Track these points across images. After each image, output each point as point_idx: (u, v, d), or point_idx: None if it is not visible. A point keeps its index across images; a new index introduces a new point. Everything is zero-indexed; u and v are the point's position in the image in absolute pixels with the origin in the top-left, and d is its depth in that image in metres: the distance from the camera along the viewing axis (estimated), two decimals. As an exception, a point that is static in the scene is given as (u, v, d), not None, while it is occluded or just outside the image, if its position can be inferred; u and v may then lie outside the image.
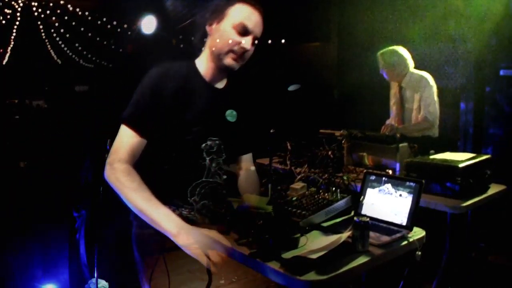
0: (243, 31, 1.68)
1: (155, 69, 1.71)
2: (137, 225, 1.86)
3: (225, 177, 1.81)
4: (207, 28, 1.73)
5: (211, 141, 1.74)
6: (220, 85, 1.81)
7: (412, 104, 3.83)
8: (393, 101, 4.05)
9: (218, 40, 1.68)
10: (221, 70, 1.75)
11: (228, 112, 1.78)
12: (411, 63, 3.86)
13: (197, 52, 1.79)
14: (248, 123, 1.92)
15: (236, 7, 1.69)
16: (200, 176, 1.74)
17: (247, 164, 2.08)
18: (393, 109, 4.03)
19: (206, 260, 1.61)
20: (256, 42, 1.74)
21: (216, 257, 1.61)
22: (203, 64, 1.77)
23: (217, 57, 1.71)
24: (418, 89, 3.78)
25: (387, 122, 4.10)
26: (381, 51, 3.88)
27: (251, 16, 1.70)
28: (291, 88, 2.88)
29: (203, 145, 1.72)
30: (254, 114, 1.93)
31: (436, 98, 3.77)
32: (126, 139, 1.62)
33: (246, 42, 1.68)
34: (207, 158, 1.74)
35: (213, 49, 1.70)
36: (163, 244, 1.76)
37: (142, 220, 1.65)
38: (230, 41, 1.66)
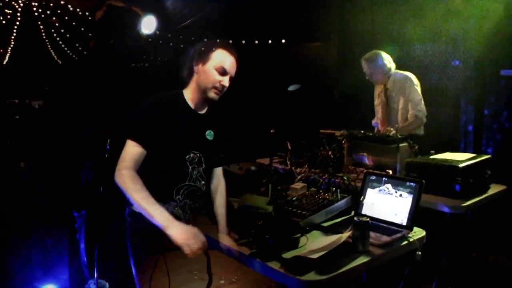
0: (223, 72, 2.14)
1: (153, 97, 2.14)
2: (131, 222, 2.17)
3: (203, 182, 2.20)
4: (194, 67, 2.17)
5: (193, 154, 2.17)
6: (202, 111, 2.25)
7: (398, 104, 3.89)
8: (377, 101, 4.09)
9: (203, 79, 2.14)
10: (204, 100, 2.21)
11: (207, 132, 2.24)
12: (393, 65, 3.93)
13: (184, 81, 2.22)
14: (223, 141, 2.34)
15: (217, 52, 2.16)
16: (184, 181, 2.15)
17: (218, 175, 2.41)
18: (378, 109, 4.07)
19: (189, 249, 1.87)
20: (231, 79, 2.20)
21: (196, 247, 1.88)
22: (189, 94, 2.21)
23: (203, 91, 2.16)
24: (403, 89, 3.84)
25: (373, 122, 4.13)
26: (364, 57, 3.97)
27: (228, 60, 2.16)
28: (291, 88, 2.89)
29: (187, 156, 2.15)
30: (228, 134, 2.35)
31: (421, 95, 3.82)
32: (131, 150, 2.04)
33: (225, 80, 2.15)
34: (190, 167, 2.16)
35: (200, 84, 2.16)
36: (158, 243, 1.98)
37: (136, 218, 2.05)
38: (213, 80, 2.13)
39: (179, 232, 1.88)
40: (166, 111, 2.12)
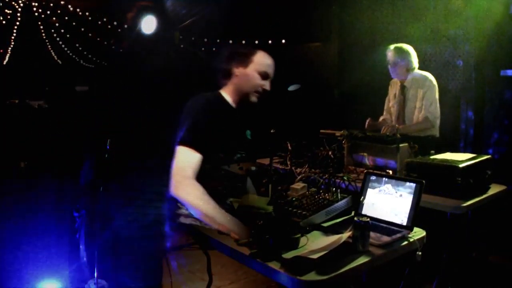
0: (265, 76, 2.15)
1: (200, 101, 2.10)
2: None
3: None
4: (234, 69, 2.15)
5: (239, 154, 2.21)
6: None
7: (415, 103, 3.83)
8: (392, 102, 4.05)
9: (245, 82, 2.13)
10: (242, 102, 2.20)
11: (247, 132, 2.28)
12: (416, 63, 3.87)
13: (220, 83, 2.22)
14: (257, 140, 2.40)
15: (258, 55, 2.15)
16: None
17: None
18: (393, 109, 4.03)
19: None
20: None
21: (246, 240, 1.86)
22: (229, 96, 2.20)
23: (244, 94, 2.16)
24: (422, 88, 3.78)
25: (381, 118, 4.09)
26: (394, 45, 3.87)
27: (270, 63, 2.17)
28: (291, 88, 2.89)
29: (235, 157, 2.19)
30: (260, 132, 2.38)
31: (437, 98, 3.78)
32: (191, 159, 1.96)
33: (267, 84, 2.16)
34: (238, 167, 2.21)
35: (240, 88, 2.15)
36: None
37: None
38: (255, 84, 2.13)
39: (240, 234, 1.89)
40: (216, 114, 2.08)
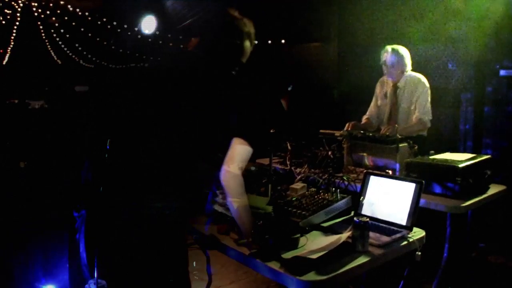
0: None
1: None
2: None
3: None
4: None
5: None
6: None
7: (407, 104, 3.84)
8: (382, 101, 4.04)
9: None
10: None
11: None
12: (410, 65, 3.88)
13: None
14: None
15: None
16: None
17: None
18: (384, 110, 4.02)
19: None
20: None
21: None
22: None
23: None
24: (415, 90, 3.79)
25: (364, 117, 4.08)
26: (390, 46, 3.86)
27: None
28: (291, 88, 2.89)
29: None
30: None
31: (429, 99, 3.79)
32: (242, 151, 2.01)
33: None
34: None
35: None
36: None
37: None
38: None
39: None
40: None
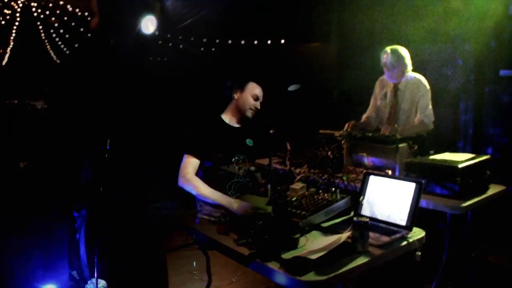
0: (256, 98, 2.85)
1: (199, 121, 2.77)
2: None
3: (247, 179, 2.64)
4: (233, 94, 2.86)
5: (237, 157, 2.70)
6: (237, 125, 2.89)
7: (408, 106, 3.82)
8: (381, 102, 4.03)
9: (243, 102, 2.84)
10: (241, 118, 2.87)
11: (247, 140, 2.82)
12: (410, 65, 3.86)
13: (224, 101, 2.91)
14: (261, 145, 2.92)
15: (250, 84, 2.88)
16: (233, 178, 2.63)
17: None
18: (384, 110, 4.01)
19: (246, 214, 2.16)
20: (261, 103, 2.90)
21: (250, 211, 2.16)
22: (228, 116, 2.88)
23: (242, 111, 2.84)
24: (416, 92, 3.78)
25: (364, 116, 4.07)
26: (390, 47, 3.84)
27: (259, 89, 2.89)
28: (291, 88, 2.90)
29: (233, 159, 2.67)
30: (260, 140, 2.90)
31: (430, 101, 3.78)
32: (191, 161, 2.59)
33: (257, 104, 2.86)
34: (237, 167, 2.67)
35: (240, 107, 2.84)
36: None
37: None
38: (251, 103, 2.84)
39: (238, 206, 2.26)
40: (214, 131, 2.74)
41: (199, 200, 2.53)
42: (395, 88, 3.87)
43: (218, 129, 2.81)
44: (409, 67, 3.82)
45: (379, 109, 4.04)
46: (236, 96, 2.88)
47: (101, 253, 2.90)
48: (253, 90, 2.88)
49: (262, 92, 2.93)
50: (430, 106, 3.75)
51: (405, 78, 3.83)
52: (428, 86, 3.78)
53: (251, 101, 2.86)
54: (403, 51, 3.81)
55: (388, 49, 3.82)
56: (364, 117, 4.08)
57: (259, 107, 2.87)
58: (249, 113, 2.85)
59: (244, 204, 2.25)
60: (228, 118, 2.90)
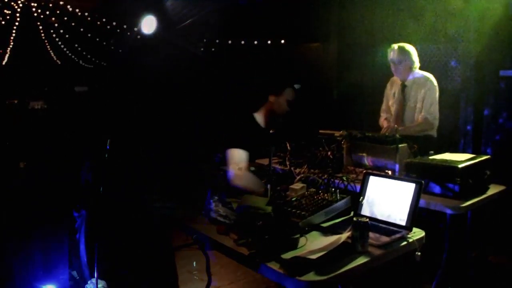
0: (290, 105, 2.89)
1: (239, 123, 2.87)
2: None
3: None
4: (270, 97, 2.90)
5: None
6: (271, 130, 2.96)
7: (415, 103, 3.81)
8: (392, 101, 4.03)
9: (278, 107, 2.89)
10: (273, 123, 2.92)
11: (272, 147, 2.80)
12: (417, 62, 3.86)
13: (254, 103, 2.95)
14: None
15: (288, 90, 2.92)
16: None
17: None
18: (392, 109, 4.01)
19: None
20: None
21: None
22: (261, 118, 2.92)
23: (274, 115, 2.88)
24: (422, 89, 3.77)
25: (384, 117, 4.07)
26: (397, 44, 3.85)
27: (293, 96, 2.92)
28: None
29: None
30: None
31: (437, 99, 3.77)
32: (242, 154, 2.62)
33: (288, 109, 2.89)
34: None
35: (274, 110, 2.89)
36: None
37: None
38: (285, 109, 2.89)
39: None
40: (252, 133, 2.77)
41: (216, 200, 2.44)
42: (403, 86, 3.87)
43: (253, 128, 2.87)
44: (416, 63, 3.82)
45: (390, 109, 4.04)
46: (271, 99, 2.93)
47: (101, 253, 2.90)
48: (289, 96, 2.94)
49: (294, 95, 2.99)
50: (436, 104, 3.75)
51: (412, 76, 3.83)
52: (435, 83, 3.78)
53: (285, 106, 2.92)
54: (409, 48, 3.82)
55: (394, 45, 3.84)
56: (383, 119, 4.06)
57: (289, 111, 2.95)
58: (280, 119, 2.93)
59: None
60: (260, 118, 2.94)
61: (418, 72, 3.85)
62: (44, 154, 3.62)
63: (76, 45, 13.72)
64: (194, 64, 7.79)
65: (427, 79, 3.79)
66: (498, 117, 4.53)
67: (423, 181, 2.09)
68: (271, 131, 2.72)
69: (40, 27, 12.45)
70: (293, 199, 2.31)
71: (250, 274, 3.61)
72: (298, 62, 6.90)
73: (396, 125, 3.76)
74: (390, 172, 2.96)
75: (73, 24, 11.35)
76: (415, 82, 3.82)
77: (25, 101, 9.28)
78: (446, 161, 2.74)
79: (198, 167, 2.57)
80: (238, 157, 2.60)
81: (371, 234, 1.89)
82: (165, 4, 7.07)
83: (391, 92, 4.03)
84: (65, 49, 14.01)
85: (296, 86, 2.92)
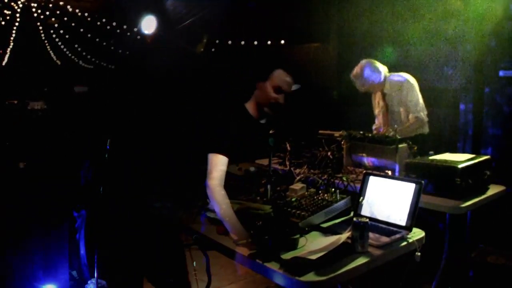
0: (279, 90, 2.42)
1: (228, 115, 2.48)
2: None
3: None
4: (257, 84, 2.47)
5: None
6: (262, 121, 2.57)
7: (398, 107, 3.87)
8: (377, 110, 4.08)
9: (263, 95, 2.44)
10: (261, 113, 2.51)
11: (270, 140, 2.48)
12: (383, 69, 3.89)
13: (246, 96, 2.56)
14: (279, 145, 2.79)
15: (276, 73, 2.45)
16: (233, 178, 2.41)
17: None
18: (379, 117, 4.06)
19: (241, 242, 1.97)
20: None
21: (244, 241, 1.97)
22: (251, 108, 2.53)
23: (260, 105, 2.47)
24: (400, 91, 3.81)
25: (374, 127, 4.10)
26: (351, 75, 3.93)
27: (284, 80, 2.45)
28: (292, 88, 2.90)
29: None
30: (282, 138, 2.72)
31: (419, 95, 3.80)
32: (220, 161, 2.28)
33: (280, 97, 2.44)
34: (237, 168, 2.47)
35: (258, 99, 2.47)
36: None
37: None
38: (271, 97, 2.43)
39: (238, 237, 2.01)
40: (241, 125, 2.43)
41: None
42: (382, 94, 3.93)
43: (243, 123, 2.50)
44: (380, 75, 3.85)
45: (376, 117, 4.10)
46: (257, 85, 2.52)
47: (101, 253, 2.90)
48: (278, 80, 2.46)
49: (291, 83, 2.52)
50: (421, 100, 3.78)
51: (387, 82, 3.88)
52: (411, 81, 3.82)
53: (272, 94, 2.45)
54: (365, 71, 3.84)
55: (352, 77, 3.90)
56: (374, 126, 4.09)
57: (281, 102, 2.49)
58: (267, 108, 2.49)
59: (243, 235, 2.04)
60: (251, 109, 2.56)
61: (391, 77, 3.89)
62: (44, 154, 3.62)
63: (76, 46, 13.72)
64: (194, 64, 7.80)
65: (401, 81, 3.83)
66: (497, 117, 4.53)
67: (423, 181, 2.09)
68: (271, 131, 2.67)
69: (40, 28, 12.45)
70: (293, 199, 2.31)
71: (250, 274, 3.61)
72: (298, 63, 6.90)
73: (396, 126, 3.78)
74: (390, 172, 2.97)
75: (73, 24, 11.36)
76: (392, 87, 3.87)
77: (25, 102, 9.28)
78: (446, 161, 2.74)
79: (198, 167, 2.55)
80: (214, 163, 2.32)
81: (371, 235, 1.90)
82: (165, 4, 7.08)
83: (376, 102, 4.10)
84: (65, 50, 14.01)
85: (296, 86, 2.88)
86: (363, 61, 3.91)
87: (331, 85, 6.44)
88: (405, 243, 1.98)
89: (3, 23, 11.38)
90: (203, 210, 2.35)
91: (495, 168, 2.90)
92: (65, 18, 11.21)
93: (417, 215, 2.05)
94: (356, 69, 3.90)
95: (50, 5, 10.80)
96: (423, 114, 3.76)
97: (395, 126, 3.76)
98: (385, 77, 3.89)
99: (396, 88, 3.85)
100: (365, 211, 2.22)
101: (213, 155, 2.31)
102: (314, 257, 1.68)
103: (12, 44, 12.70)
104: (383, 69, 3.90)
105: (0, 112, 8.21)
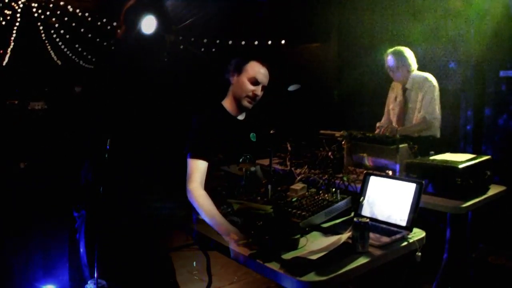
0: (255, 82, 2.39)
1: (199, 116, 2.40)
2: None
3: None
4: (230, 78, 2.44)
5: (244, 156, 2.43)
6: (241, 117, 2.54)
7: (415, 104, 3.84)
8: (392, 105, 4.06)
9: (238, 88, 2.41)
10: (240, 108, 2.48)
11: (251, 135, 2.50)
12: (415, 64, 3.88)
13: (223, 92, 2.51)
14: (264, 141, 2.61)
15: (250, 64, 2.42)
16: (234, 179, 2.38)
17: None
18: (393, 111, 4.03)
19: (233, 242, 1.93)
20: (264, 89, 2.45)
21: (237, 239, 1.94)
22: (228, 104, 2.50)
23: (238, 100, 2.44)
24: (421, 90, 3.79)
25: (378, 125, 4.09)
26: (390, 50, 3.88)
27: (259, 71, 2.41)
28: (291, 88, 2.89)
29: (240, 159, 2.42)
30: (266, 134, 2.57)
31: (437, 99, 3.78)
32: (198, 166, 2.26)
33: (257, 90, 2.41)
34: (238, 168, 2.38)
35: (235, 94, 2.44)
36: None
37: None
38: (248, 89, 2.40)
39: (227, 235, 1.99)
40: (215, 124, 2.38)
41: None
42: (403, 88, 3.90)
43: (221, 122, 2.45)
44: (414, 65, 3.85)
45: (390, 112, 4.07)
46: (232, 80, 2.47)
47: (101, 253, 2.90)
48: (252, 71, 2.42)
49: (266, 74, 2.47)
50: (435, 103, 3.76)
51: (411, 78, 3.85)
52: (434, 83, 3.80)
53: (248, 86, 2.40)
54: (406, 52, 3.83)
55: (389, 51, 3.85)
56: (377, 126, 4.07)
57: (259, 94, 2.46)
58: (245, 102, 2.44)
59: (233, 231, 2.01)
60: (228, 106, 2.52)
61: (417, 73, 3.87)
62: (44, 154, 3.62)
63: (77, 46, 13.72)
64: (194, 64, 7.80)
65: (425, 79, 3.81)
66: (498, 117, 4.53)
67: (423, 181, 2.09)
68: (271, 132, 2.66)
69: (41, 28, 12.45)
70: (294, 199, 2.30)
71: (250, 274, 3.61)
72: (298, 63, 6.89)
73: (396, 126, 3.77)
74: (390, 173, 2.96)
75: (73, 24, 11.36)
76: (414, 84, 3.84)
77: (25, 102, 9.28)
78: (446, 161, 2.74)
79: None
80: (192, 169, 2.29)
81: (371, 235, 1.89)
82: (165, 4, 7.07)
83: (393, 96, 4.06)
84: (65, 50, 14.01)
85: (296, 86, 2.88)
86: (403, 47, 3.90)
87: (331, 85, 6.44)
88: (405, 243, 1.98)
89: (3, 23, 11.39)
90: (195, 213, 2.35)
91: (496, 168, 2.90)
92: (66, 18, 11.21)
93: (417, 215, 2.05)
94: (398, 48, 3.87)
95: (51, 5, 10.81)
96: (432, 117, 3.72)
97: (404, 124, 3.76)
98: (413, 72, 3.87)
99: (418, 85, 3.83)
100: (366, 211, 2.22)
101: (190, 161, 2.30)
102: (314, 257, 1.67)
103: (12, 44, 12.71)
104: (415, 64, 3.89)
105: (1, 112, 8.21)
